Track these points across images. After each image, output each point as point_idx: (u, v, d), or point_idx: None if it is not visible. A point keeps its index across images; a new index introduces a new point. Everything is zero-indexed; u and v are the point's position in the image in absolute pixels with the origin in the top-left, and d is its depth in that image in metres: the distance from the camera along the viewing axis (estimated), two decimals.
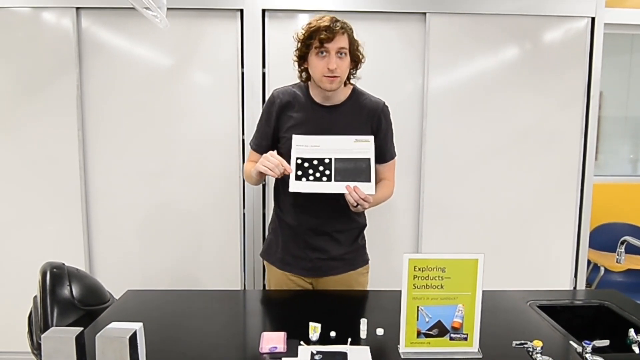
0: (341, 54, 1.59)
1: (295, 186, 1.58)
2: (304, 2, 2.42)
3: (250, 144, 1.83)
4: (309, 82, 1.72)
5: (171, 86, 2.48)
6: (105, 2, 2.39)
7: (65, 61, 2.43)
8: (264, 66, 2.48)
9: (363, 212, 1.80)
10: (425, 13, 2.46)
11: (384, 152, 1.74)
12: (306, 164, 1.60)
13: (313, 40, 1.58)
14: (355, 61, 1.66)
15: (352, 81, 1.73)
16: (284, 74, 2.46)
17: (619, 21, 3.13)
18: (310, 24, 1.60)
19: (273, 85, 2.46)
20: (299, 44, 1.64)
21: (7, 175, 2.50)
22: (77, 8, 2.41)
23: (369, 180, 1.56)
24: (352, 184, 1.54)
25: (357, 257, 1.81)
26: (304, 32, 1.61)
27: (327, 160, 1.60)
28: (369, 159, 1.59)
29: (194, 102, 2.49)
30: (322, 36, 1.54)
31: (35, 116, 2.47)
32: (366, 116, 1.70)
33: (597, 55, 2.53)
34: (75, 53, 2.43)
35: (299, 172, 1.59)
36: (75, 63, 2.43)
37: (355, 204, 1.54)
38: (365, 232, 1.87)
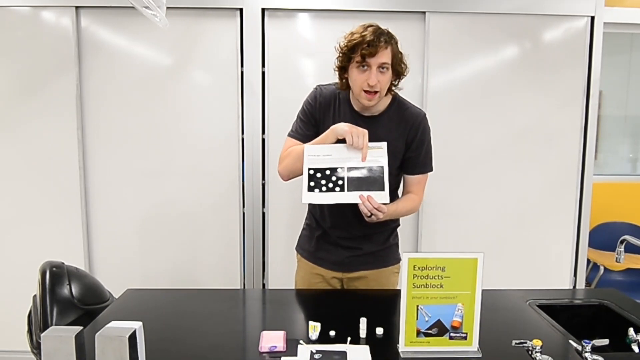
0: (383, 68, 1.53)
1: (307, 198, 1.54)
2: (303, 1, 2.41)
3: (290, 133, 1.72)
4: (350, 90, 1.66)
5: (171, 85, 2.48)
6: (104, 1, 2.39)
7: (65, 60, 2.43)
8: (263, 65, 2.47)
9: None
10: (424, 12, 2.46)
11: (415, 165, 1.68)
12: (318, 175, 1.55)
13: (355, 54, 1.51)
14: (398, 73, 1.60)
15: (393, 90, 1.66)
16: (284, 73, 2.48)
17: (618, 20, 3.12)
18: (352, 34, 1.52)
19: (272, 84, 2.48)
20: (341, 55, 1.57)
21: (7, 174, 2.50)
22: (77, 7, 2.41)
23: (383, 189, 1.52)
24: (365, 193, 1.50)
25: (389, 255, 1.79)
26: (346, 42, 1.54)
27: (339, 170, 1.55)
28: (382, 167, 1.54)
29: (193, 101, 2.49)
30: (364, 51, 1.48)
31: (34, 115, 2.47)
32: (404, 127, 1.65)
33: (596, 55, 2.53)
34: (74, 52, 2.42)
35: (312, 183, 1.55)
36: (75, 62, 2.43)
37: (369, 214, 1.50)
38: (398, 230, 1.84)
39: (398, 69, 1.59)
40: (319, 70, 2.47)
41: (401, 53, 1.59)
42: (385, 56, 1.52)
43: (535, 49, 2.53)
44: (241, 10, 2.42)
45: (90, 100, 2.48)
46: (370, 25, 1.53)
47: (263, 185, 2.54)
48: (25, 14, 2.42)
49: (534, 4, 2.48)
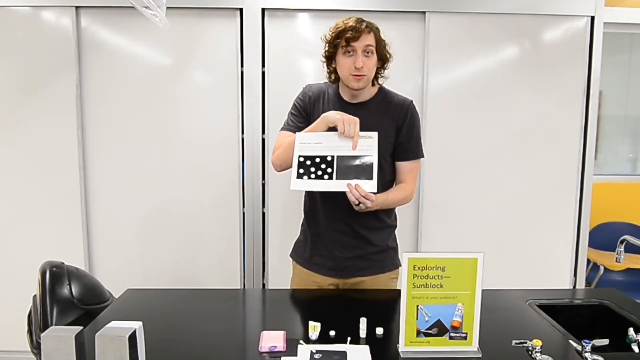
0: (368, 52, 1.60)
1: (296, 184, 1.57)
2: (303, 1, 2.42)
3: (282, 127, 1.77)
4: (339, 82, 1.73)
5: (171, 85, 2.48)
6: (104, 1, 2.39)
7: (65, 60, 2.43)
8: (263, 65, 2.48)
9: (393, 212, 1.80)
10: (424, 12, 2.47)
11: (406, 150, 1.70)
12: (308, 162, 1.58)
13: (340, 40, 1.59)
14: (383, 60, 1.68)
15: (380, 80, 1.73)
16: (284, 73, 2.48)
17: (618, 20, 3.12)
18: (337, 25, 1.62)
19: (272, 84, 2.48)
20: (327, 45, 1.65)
21: (7, 174, 2.50)
22: (77, 7, 2.41)
23: (371, 178, 1.53)
24: (353, 181, 1.52)
25: (387, 260, 1.77)
26: (331, 32, 1.63)
27: (329, 158, 1.57)
28: (371, 156, 1.56)
29: (193, 101, 2.49)
30: (348, 35, 1.57)
31: (34, 115, 2.47)
32: (392, 113, 1.68)
33: (596, 54, 2.53)
34: (74, 52, 2.42)
35: (301, 170, 1.57)
36: (75, 62, 2.43)
37: (356, 202, 1.52)
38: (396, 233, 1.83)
39: (383, 54, 1.66)
40: (319, 70, 2.45)
41: (384, 41, 1.67)
42: (369, 39, 1.60)
43: (535, 49, 2.53)
44: (241, 10, 2.43)
45: (90, 100, 2.48)
46: (353, 17, 1.63)
47: (263, 185, 2.54)
48: (25, 14, 2.42)
49: (534, 4, 2.48)
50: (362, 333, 1.34)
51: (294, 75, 2.49)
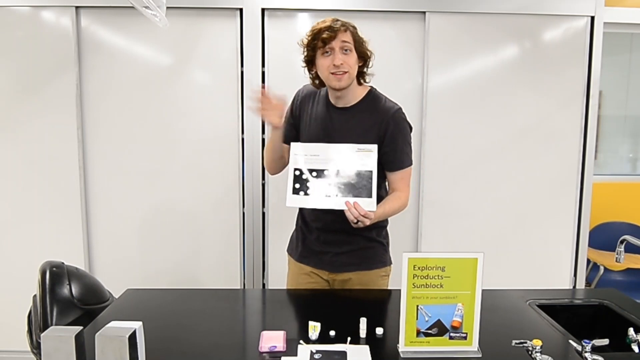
0: (346, 50, 1.56)
1: (291, 201, 1.53)
2: (303, 1, 2.42)
3: None
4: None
5: (171, 85, 2.48)
6: (104, 1, 2.39)
7: (65, 60, 2.43)
8: (263, 65, 2.48)
9: None
10: (424, 12, 2.46)
11: (392, 161, 1.64)
12: (304, 176, 1.53)
13: (317, 42, 1.56)
14: (363, 58, 1.63)
15: (367, 79, 1.69)
16: (284, 73, 2.48)
17: (618, 20, 3.12)
18: (312, 27, 1.60)
19: (272, 84, 2.48)
20: (305, 49, 1.63)
21: (7, 174, 2.50)
22: (77, 7, 2.41)
23: (370, 196, 1.49)
24: (352, 199, 1.48)
25: (375, 258, 1.74)
26: (308, 36, 1.60)
27: (326, 172, 1.54)
28: (370, 172, 1.52)
29: (193, 101, 2.49)
30: (324, 35, 1.54)
31: (34, 115, 2.47)
32: (376, 120, 1.63)
33: (596, 54, 2.53)
34: (74, 52, 2.42)
35: (297, 185, 1.53)
36: (75, 62, 2.43)
37: (355, 221, 1.48)
38: (388, 229, 1.80)
39: (362, 52, 1.62)
40: None
41: (362, 39, 1.63)
42: (345, 37, 1.57)
43: (535, 49, 2.53)
44: (241, 10, 2.43)
45: (90, 100, 2.48)
46: (328, 17, 1.62)
47: (263, 185, 2.54)
48: (25, 14, 2.41)
49: (534, 4, 2.48)
50: (362, 333, 1.34)
51: (294, 75, 2.47)
